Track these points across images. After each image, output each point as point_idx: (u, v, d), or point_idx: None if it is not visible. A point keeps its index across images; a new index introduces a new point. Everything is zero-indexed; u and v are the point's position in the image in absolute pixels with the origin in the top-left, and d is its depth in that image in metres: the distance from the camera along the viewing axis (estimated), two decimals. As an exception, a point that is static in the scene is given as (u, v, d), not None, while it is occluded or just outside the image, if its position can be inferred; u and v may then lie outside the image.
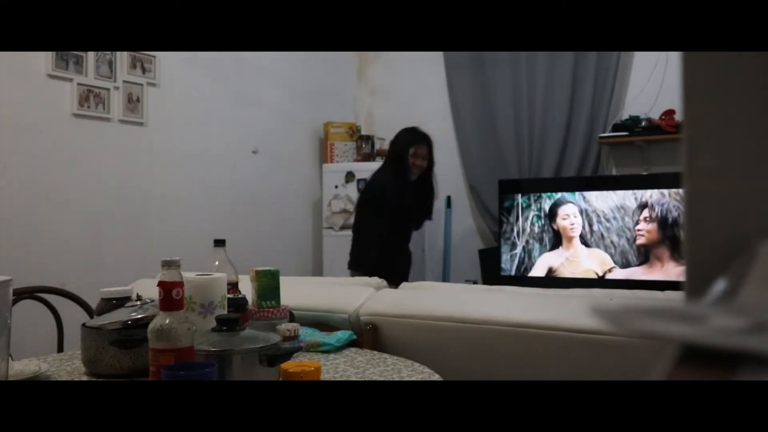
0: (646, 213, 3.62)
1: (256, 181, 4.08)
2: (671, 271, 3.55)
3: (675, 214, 3.54)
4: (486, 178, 4.44)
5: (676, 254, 3.56)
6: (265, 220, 4.13)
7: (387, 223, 3.15)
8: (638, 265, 3.64)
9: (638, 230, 3.63)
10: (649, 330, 0.30)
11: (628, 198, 3.67)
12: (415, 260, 4.41)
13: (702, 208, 0.48)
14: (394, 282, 2.07)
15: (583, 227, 3.74)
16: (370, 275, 2.87)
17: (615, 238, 3.72)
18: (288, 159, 4.39)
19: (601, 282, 3.67)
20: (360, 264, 3.20)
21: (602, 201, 3.70)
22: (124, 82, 3.25)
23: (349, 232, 4.33)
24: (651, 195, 3.61)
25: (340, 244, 4.34)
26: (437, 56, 4.65)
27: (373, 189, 3.31)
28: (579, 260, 3.77)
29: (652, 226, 3.60)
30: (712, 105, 0.47)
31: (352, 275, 3.15)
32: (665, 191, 3.57)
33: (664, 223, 3.57)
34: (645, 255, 3.62)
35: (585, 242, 3.76)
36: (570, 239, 3.78)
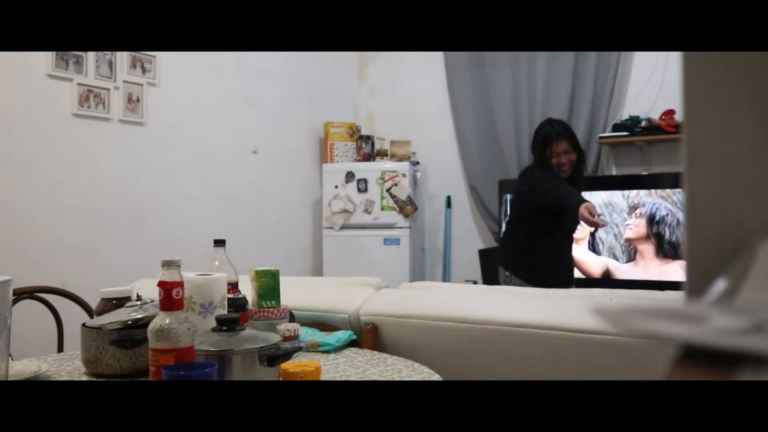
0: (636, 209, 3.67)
1: (256, 181, 4.08)
2: (653, 269, 3.58)
3: (664, 212, 3.57)
4: (486, 178, 4.44)
5: (660, 252, 3.58)
6: (265, 221, 4.13)
7: (538, 223, 2.76)
8: (625, 262, 3.69)
9: (626, 224, 3.66)
10: (649, 330, 0.30)
11: (616, 195, 3.71)
12: (415, 260, 4.43)
13: (702, 208, 0.48)
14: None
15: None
16: (524, 278, 2.71)
17: (602, 234, 3.76)
18: (288, 159, 4.39)
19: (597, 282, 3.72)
20: (511, 264, 2.84)
21: (590, 198, 3.74)
22: (124, 82, 3.25)
23: (349, 232, 4.35)
24: (638, 193, 3.65)
25: (340, 244, 4.35)
26: (437, 56, 4.65)
27: (523, 185, 2.84)
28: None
29: (640, 222, 3.62)
30: (712, 105, 0.47)
31: (507, 275, 2.82)
32: (653, 191, 3.60)
33: (651, 219, 3.60)
34: (630, 252, 3.69)
35: (594, 249, 3.81)
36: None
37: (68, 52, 2.99)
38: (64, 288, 2.12)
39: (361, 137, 4.55)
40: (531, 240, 2.79)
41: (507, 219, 2.98)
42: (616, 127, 3.92)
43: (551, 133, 2.72)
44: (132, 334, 1.32)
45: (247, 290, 1.61)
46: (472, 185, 4.57)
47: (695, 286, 0.47)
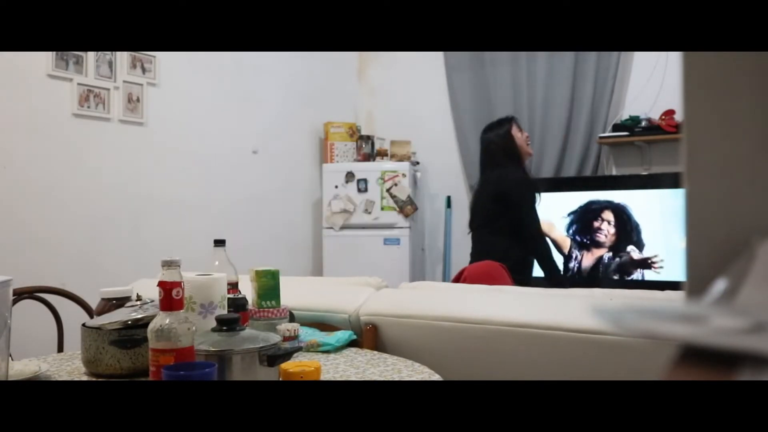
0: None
1: (256, 181, 4.08)
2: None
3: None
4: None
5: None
6: (265, 220, 4.13)
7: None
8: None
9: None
10: (649, 330, 0.30)
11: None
12: (414, 260, 4.44)
13: (702, 208, 0.48)
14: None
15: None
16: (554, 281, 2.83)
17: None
18: (288, 159, 4.39)
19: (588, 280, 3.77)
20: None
21: (591, 197, 3.78)
22: (124, 82, 3.25)
23: (349, 232, 4.35)
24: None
25: (340, 244, 4.35)
26: (437, 56, 4.65)
27: (529, 185, 3.03)
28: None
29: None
30: (712, 105, 0.47)
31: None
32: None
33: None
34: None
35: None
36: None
37: (68, 52, 2.99)
38: (64, 288, 2.13)
39: (361, 137, 4.55)
40: (512, 245, 2.90)
41: (484, 222, 3.03)
42: (616, 127, 3.92)
43: (513, 124, 3.03)
44: (132, 334, 1.32)
45: (247, 290, 1.61)
46: (472, 185, 4.56)
47: (695, 286, 0.47)
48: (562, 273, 3.00)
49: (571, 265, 3.82)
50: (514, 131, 3.03)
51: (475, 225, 3.13)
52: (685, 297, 0.47)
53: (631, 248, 3.65)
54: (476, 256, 3.04)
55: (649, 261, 3.59)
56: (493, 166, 3.03)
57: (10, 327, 1.10)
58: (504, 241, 2.94)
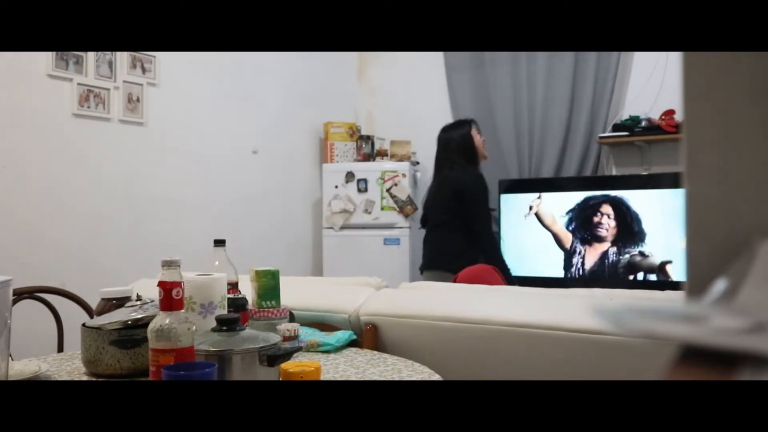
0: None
1: (256, 181, 4.08)
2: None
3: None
4: (486, 178, 4.43)
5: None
6: (265, 220, 4.13)
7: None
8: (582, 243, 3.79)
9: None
10: (649, 330, 0.30)
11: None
12: (414, 260, 4.43)
13: (702, 208, 0.48)
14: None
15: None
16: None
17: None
18: (288, 159, 4.39)
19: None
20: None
21: (590, 195, 3.79)
22: (124, 82, 3.25)
23: (349, 232, 4.35)
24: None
25: (340, 244, 4.35)
26: (437, 56, 4.65)
27: (484, 184, 3.17)
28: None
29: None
30: (712, 105, 0.47)
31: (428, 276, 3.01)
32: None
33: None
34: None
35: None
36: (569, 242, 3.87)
37: (68, 52, 2.99)
38: (64, 288, 2.13)
39: (361, 137, 4.55)
40: (468, 243, 2.99)
41: (442, 220, 3.05)
42: (616, 127, 3.92)
43: (473, 126, 3.12)
44: (132, 334, 1.32)
45: (247, 290, 1.61)
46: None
47: (695, 286, 0.47)
48: (509, 271, 3.04)
49: (575, 260, 3.81)
50: (474, 133, 3.08)
51: (430, 224, 3.16)
52: (685, 297, 0.47)
53: (644, 249, 3.63)
54: (433, 256, 3.10)
55: (665, 265, 3.57)
56: (450, 164, 3.09)
57: (10, 327, 1.10)
58: (461, 239, 3.00)
